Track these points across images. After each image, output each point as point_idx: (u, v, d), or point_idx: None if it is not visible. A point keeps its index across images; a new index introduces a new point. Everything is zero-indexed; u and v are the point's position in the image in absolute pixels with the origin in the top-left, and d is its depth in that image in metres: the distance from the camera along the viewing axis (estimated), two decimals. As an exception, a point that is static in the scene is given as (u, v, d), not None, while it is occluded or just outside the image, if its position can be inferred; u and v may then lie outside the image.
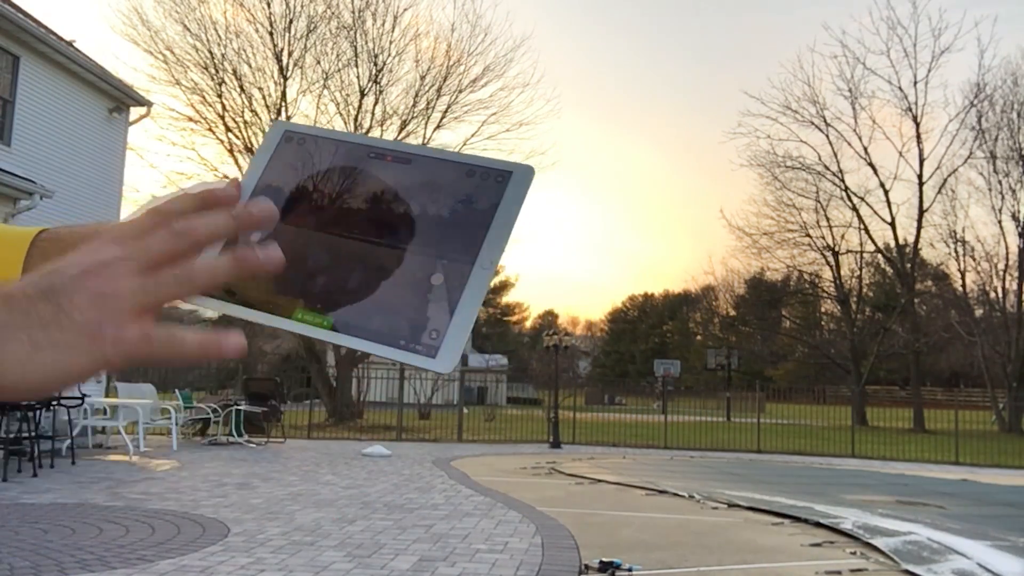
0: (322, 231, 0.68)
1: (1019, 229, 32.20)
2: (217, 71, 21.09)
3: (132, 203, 21.61)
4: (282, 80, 21.92)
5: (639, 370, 60.87)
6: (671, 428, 19.81)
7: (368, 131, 22.94)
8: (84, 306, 0.44)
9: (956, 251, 33.52)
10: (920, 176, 33.95)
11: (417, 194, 0.69)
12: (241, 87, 21.42)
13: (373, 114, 22.94)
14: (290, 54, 21.93)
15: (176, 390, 15.24)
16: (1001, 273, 32.89)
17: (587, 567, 5.27)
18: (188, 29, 20.94)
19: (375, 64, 22.66)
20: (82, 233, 0.72)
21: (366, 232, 0.67)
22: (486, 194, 0.67)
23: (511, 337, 64.54)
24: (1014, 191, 32.36)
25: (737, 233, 39.97)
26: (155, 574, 4.63)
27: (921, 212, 33.93)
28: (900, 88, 34.29)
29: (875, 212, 35.32)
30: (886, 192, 34.73)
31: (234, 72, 21.36)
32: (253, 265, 0.50)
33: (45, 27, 12.93)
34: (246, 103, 21.54)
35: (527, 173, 0.68)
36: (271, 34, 21.85)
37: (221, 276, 0.48)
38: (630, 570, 5.18)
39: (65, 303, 0.43)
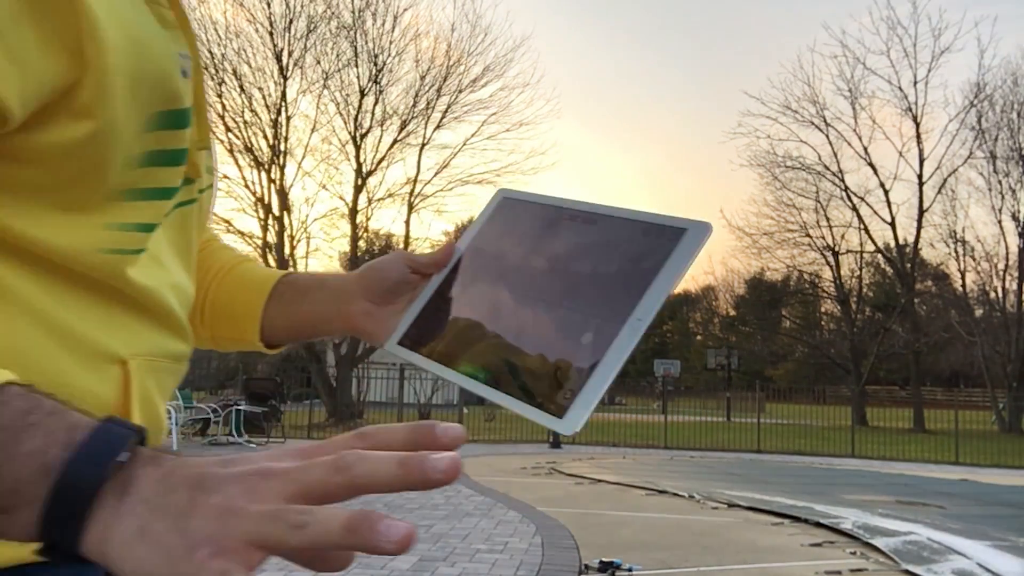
0: (505, 291, 0.75)
1: (1019, 229, 32.20)
2: (217, 71, 21.09)
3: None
4: (282, 80, 21.93)
5: (639, 370, 60.91)
6: (671, 428, 19.81)
7: (368, 131, 22.97)
8: (210, 514, 0.43)
9: (956, 251, 33.53)
10: (920, 176, 33.96)
11: (592, 254, 0.72)
12: (241, 87, 21.42)
13: (373, 114, 22.96)
14: (290, 54, 21.94)
15: (176, 390, 15.24)
16: (1001, 273, 32.90)
17: (587, 567, 5.27)
18: (188, 29, 20.95)
19: (375, 64, 22.67)
20: (319, 280, 0.89)
21: (539, 293, 0.73)
22: (656, 252, 0.70)
23: (511, 337, 64.38)
24: (1014, 191, 32.37)
25: (737, 233, 39.98)
26: (155, 574, 4.63)
27: (921, 212, 33.94)
28: (900, 88, 34.31)
29: (875, 212, 35.33)
30: (886, 192, 34.75)
31: (234, 72, 21.36)
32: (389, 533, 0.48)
33: (45, 27, 12.94)
34: (246, 103, 21.54)
35: (702, 230, 0.68)
36: (271, 34, 21.85)
37: (335, 539, 0.47)
38: (630, 570, 5.18)
39: (200, 502, 0.43)
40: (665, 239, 0.71)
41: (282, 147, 22.04)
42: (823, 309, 45.30)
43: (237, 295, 0.91)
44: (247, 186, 21.80)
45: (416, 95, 23.13)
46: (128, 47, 0.61)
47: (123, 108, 0.61)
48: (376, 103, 22.92)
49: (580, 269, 0.72)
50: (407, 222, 23.59)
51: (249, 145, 21.48)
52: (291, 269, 0.94)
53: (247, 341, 0.91)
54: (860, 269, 38.68)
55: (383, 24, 22.69)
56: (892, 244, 35.98)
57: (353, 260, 23.10)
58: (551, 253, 0.75)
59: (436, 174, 24.03)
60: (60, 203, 0.62)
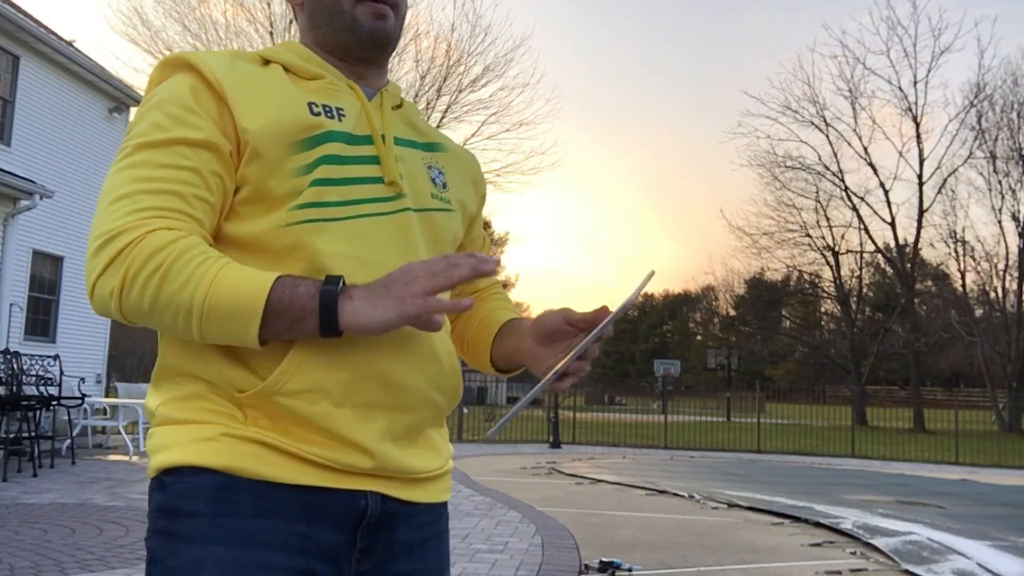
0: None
1: (1019, 229, 32.20)
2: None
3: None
4: (282, 80, 21.89)
5: (639, 370, 60.86)
6: (671, 428, 19.81)
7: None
8: (399, 289, 0.97)
9: (956, 251, 33.55)
10: (920, 176, 33.97)
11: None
12: (241, 87, 21.43)
13: (373, 114, 22.93)
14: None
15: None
16: (1001, 273, 32.91)
17: (587, 567, 5.27)
18: (188, 29, 20.98)
19: (375, 64, 22.64)
20: (520, 322, 1.28)
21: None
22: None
23: (511, 337, 64.40)
24: (1014, 191, 32.37)
25: (737, 233, 40.15)
26: (155, 574, 4.63)
27: (921, 212, 33.95)
28: (900, 88, 34.34)
29: (875, 212, 35.35)
30: (886, 192, 34.76)
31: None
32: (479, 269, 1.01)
33: (45, 27, 12.93)
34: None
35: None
36: (271, 34, 21.85)
37: (456, 278, 0.99)
38: (630, 570, 5.18)
39: (393, 288, 0.98)
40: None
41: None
42: (823, 309, 45.34)
43: (480, 334, 1.33)
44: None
45: (416, 95, 23.13)
46: (256, 114, 1.08)
47: (267, 149, 1.08)
48: (376, 103, 22.90)
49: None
50: (407, 222, 23.59)
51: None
52: (517, 315, 1.34)
53: (487, 367, 1.32)
54: (860, 269, 38.75)
55: (383, 24, 22.69)
56: (892, 244, 36.02)
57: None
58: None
59: (436, 174, 24.02)
60: (257, 210, 1.09)
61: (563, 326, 1.14)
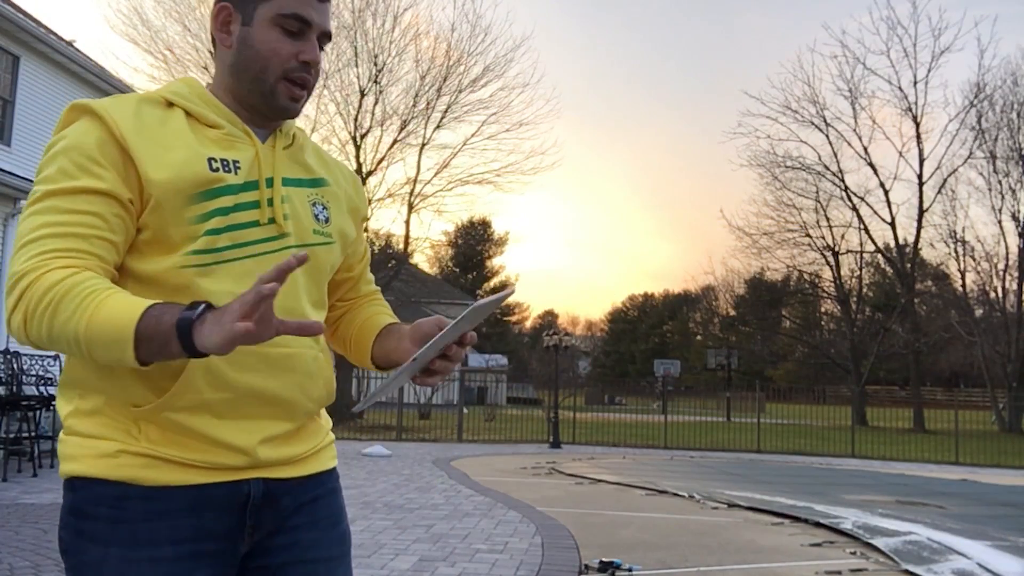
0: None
1: (1019, 229, 32.19)
2: (217, 71, 21.09)
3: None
4: (282, 80, 21.89)
5: (639, 370, 60.83)
6: (671, 428, 19.81)
7: (368, 131, 22.97)
8: (225, 316, 1.04)
9: (956, 251, 33.53)
10: (920, 176, 33.95)
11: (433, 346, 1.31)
12: (241, 87, 21.42)
13: (373, 114, 22.94)
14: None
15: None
16: (1001, 273, 32.89)
17: (587, 567, 5.27)
18: (188, 29, 20.96)
19: (375, 64, 22.66)
20: (399, 327, 1.49)
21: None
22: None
23: (511, 337, 64.52)
24: (1014, 191, 32.36)
25: (737, 233, 40.00)
26: (155, 574, 4.63)
27: (921, 212, 33.93)
28: (900, 88, 34.32)
29: (875, 212, 35.34)
30: (886, 192, 34.75)
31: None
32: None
33: (45, 27, 12.93)
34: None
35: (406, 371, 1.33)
36: (271, 34, 21.87)
37: (252, 300, 1.04)
38: (630, 570, 5.18)
39: (223, 316, 1.05)
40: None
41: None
42: (823, 309, 45.32)
43: (363, 335, 1.54)
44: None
45: (416, 95, 23.12)
46: (160, 169, 1.22)
47: (167, 201, 1.22)
48: (376, 103, 22.92)
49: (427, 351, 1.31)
50: (407, 222, 23.59)
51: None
52: (395, 320, 1.56)
53: (367, 364, 1.53)
54: (860, 269, 38.73)
55: (383, 24, 22.69)
56: (892, 244, 36.00)
57: (353, 260, 23.04)
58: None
59: (436, 174, 24.02)
60: (155, 250, 1.24)
61: (436, 332, 1.34)
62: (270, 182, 1.31)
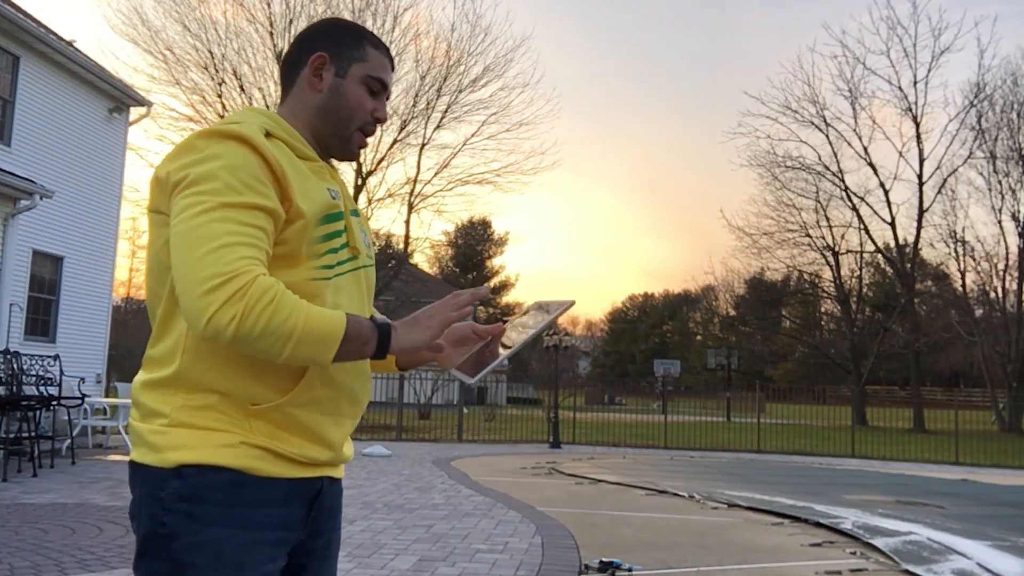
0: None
1: (1019, 229, 32.18)
2: (217, 71, 21.10)
3: (132, 203, 21.60)
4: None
5: (639, 370, 60.81)
6: (671, 428, 19.81)
7: (368, 131, 22.90)
8: (424, 322, 1.42)
9: (956, 251, 33.52)
10: (920, 176, 33.96)
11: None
12: (241, 87, 21.40)
13: (373, 114, 22.90)
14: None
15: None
16: (1001, 273, 32.89)
17: (587, 567, 5.27)
18: (188, 29, 20.94)
19: (375, 64, 22.60)
20: (445, 335, 1.57)
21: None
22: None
23: (511, 337, 64.34)
24: (1014, 191, 32.36)
25: (737, 233, 39.99)
26: (155, 574, 4.63)
27: (921, 212, 33.93)
28: (900, 88, 34.32)
29: (875, 212, 35.34)
30: (886, 192, 34.75)
31: (234, 72, 21.35)
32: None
33: (45, 27, 12.93)
34: (246, 103, 21.49)
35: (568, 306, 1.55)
36: (271, 34, 21.84)
37: (457, 316, 1.43)
38: (630, 570, 5.18)
39: (419, 322, 1.42)
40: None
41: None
42: (823, 309, 45.30)
43: None
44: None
45: (416, 95, 23.10)
46: (305, 195, 1.41)
47: (310, 223, 1.40)
48: (376, 103, 22.87)
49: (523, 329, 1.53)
50: (407, 222, 23.56)
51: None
52: None
53: (392, 369, 1.67)
54: (860, 269, 38.71)
55: (383, 24, 22.66)
56: (892, 244, 36.00)
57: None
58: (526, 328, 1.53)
59: (436, 174, 24.00)
60: (283, 264, 1.38)
61: (470, 335, 1.54)
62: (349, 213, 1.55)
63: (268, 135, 1.43)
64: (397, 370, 1.69)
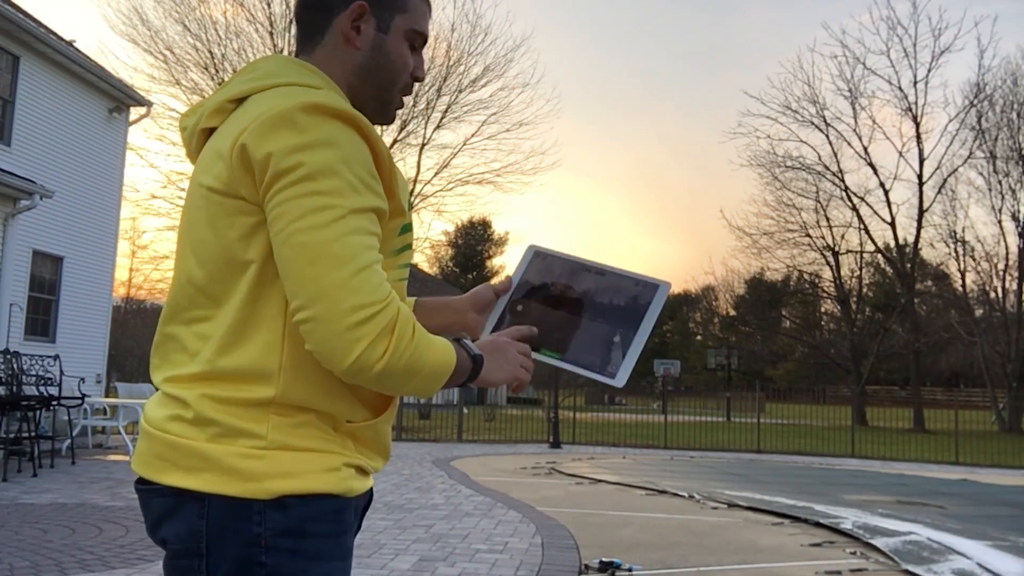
0: (556, 308, 1.41)
1: (1019, 229, 32.19)
2: (217, 71, 21.12)
3: (132, 203, 21.59)
4: (282, 80, 21.88)
5: (639, 370, 60.72)
6: (671, 428, 19.81)
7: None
8: (511, 359, 1.30)
9: (956, 251, 33.53)
10: (920, 176, 33.95)
11: (607, 292, 1.39)
12: (241, 87, 21.41)
13: (373, 114, 22.92)
14: (290, 54, 21.94)
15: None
16: (1001, 273, 32.90)
17: (587, 567, 5.27)
18: (188, 29, 20.97)
19: (375, 64, 22.63)
20: (444, 302, 1.53)
21: (579, 312, 1.39)
22: (644, 296, 1.36)
23: (511, 337, 64.37)
24: (1014, 191, 32.36)
25: (737, 233, 40.13)
26: (155, 574, 4.63)
27: (921, 212, 33.93)
28: (900, 88, 34.32)
29: (875, 212, 35.34)
30: (886, 192, 34.75)
31: (234, 72, 21.36)
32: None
33: (45, 27, 12.93)
34: (246, 103, 21.49)
35: (666, 287, 1.36)
36: (271, 34, 21.86)
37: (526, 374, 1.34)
38: (630, 570, 5.18)
39: (504, 350, 1.31)
40: (648, 289, 1.35)
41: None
42: (823, 309, 45.29)
43: None
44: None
45: (416, 95, 23.12)
46: (404, 192, 1.28)
47: (403, 217, 1.27)
48: (376, 103, 22.89)
49: (602, 300, 1.38)
50: (407, 222, 23.58)
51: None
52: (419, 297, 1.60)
53: None
54: (860, 269, 38.72)
55: (383, 24, 22.67)
56: (892, 244, 36.00)
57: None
58: (582, 290, 1.40)
59: (436, 174, 24.06)
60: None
61: (491, 296, 1.49)
62: None
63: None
64: None
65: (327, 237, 1.09)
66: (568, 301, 1.39)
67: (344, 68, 1.30)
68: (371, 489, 1.34)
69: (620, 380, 1.28)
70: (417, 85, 1.42)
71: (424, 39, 1.35)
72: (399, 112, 1.39)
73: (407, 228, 1.29)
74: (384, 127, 1.35)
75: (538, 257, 1.45)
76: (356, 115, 1.16)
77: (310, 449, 1.18)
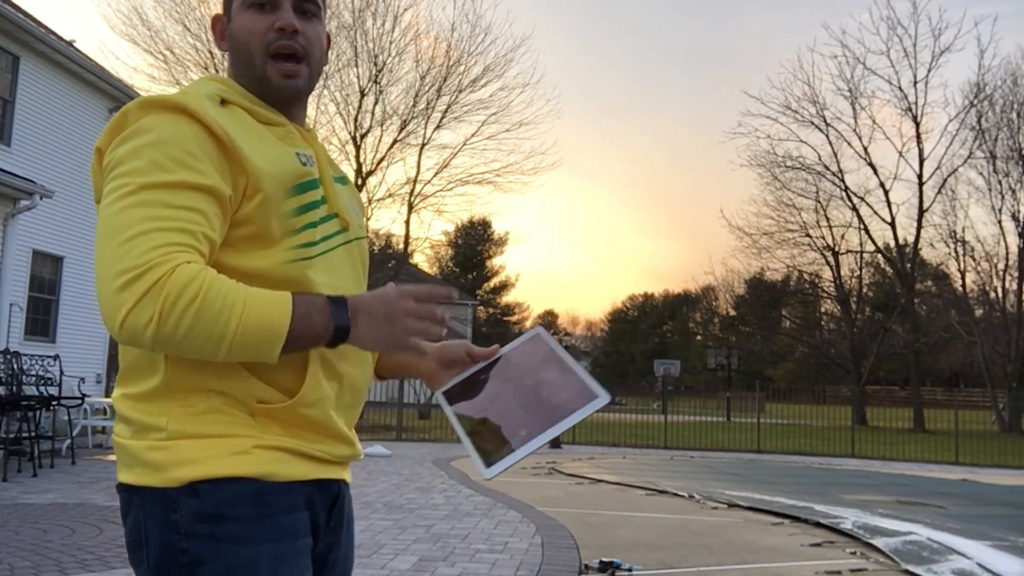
0: (506, 389, 1.37)
1: (1019, 229, 32.17)
2: (217, 71, 21.10)
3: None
4: (282, 80, 21.89)
5: (639, 370, 60.73)
6: (671, 428, 19.81)
7: (368, 131, 22.97)
8: (399, 325, 1.20)
9: (956, 251, 33.51)
10: (920, 176, 33.93)
11: (554, 387, 1.32)
12: (241, 87, 21.42)
13: (373, 114, 22.95)
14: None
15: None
16: (1001, 273, 32.88)
17: (587, 567, 5.27)
18: (188, 29, 20.94)
19: (375, 64, 22.66)
20: (437, 353, 1.46)
21: (519, 397, 1.34)
22: (580, 400, 1.29)
23: (511, 337, 64.17)
24: (1014, 191, 32.34)
25: (737, 233, 40.01)
26: (155, 574, 4.63)
27: (921, 212, 33.91)
28: (900, 88, 34.28)
29: (875, 212, 35.31)
30: (886, 192, 34.72)
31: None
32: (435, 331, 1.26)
33: (45, 27, 12.93)
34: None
35: (603, 400, 1.29)
36: (271, 34, 21.86)
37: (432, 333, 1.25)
38: (630, 570, 5.18)
39: (388, 312, 1.19)
40: (587, 395, 1.29)
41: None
42: (823, 309, 45.28)
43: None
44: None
45: (416, 95, 23.13)
46: (265, 163, 1.22)
47: (275, 195, 1.22)
48: (376, 103, 22.93)
49: (545, 393, 1.32)
50: (407, 222, 23.59)
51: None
52: None
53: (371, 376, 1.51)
54: (860, 269, 38.69)
55: (383, 24, 22.69)
56: (892, 244, 35.97)
57: (353, 260, 23.06)
58: (538, 379, 1.35)
59: (436, 174, 24.02)
60: (255, 246, 1.22)
61: (463, 356, 1.44)
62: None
63: (224, 102, 1.27)
64: (378, 379, 1.55)
65: (111, 212, 1.13)
66: (521, 388, 1.35)
67: (228, 70, 1.37)
68: (338, 484, 1.34)
69: (489, 473, 1.24)
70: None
71: None
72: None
73: (306, 194, 1.26)
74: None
75: (535, 340, 1.41)
76: (184, 102, 1.19)
77: (214, 435, 1.19)
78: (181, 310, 1.07)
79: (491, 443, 1.28)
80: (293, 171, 1.25)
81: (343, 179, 1.44)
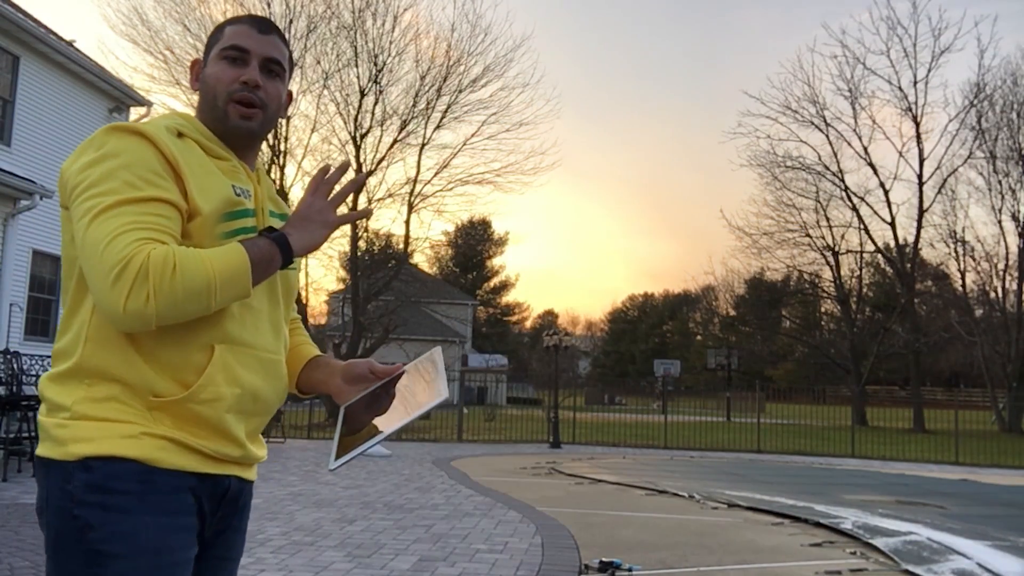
0: (393, 399, 1.57)
1: (1019, 229, 32.17)
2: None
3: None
4: (282, 80, 21.86)
5: (639, 370, 60.75)
6: (671, 428, 19.81)
7: (368, 131, 22.96)
8: (317, 218, 1.49)
9: (956, 251, 33.49)
10: (920, 176, 33.93)
11: (419, 390, 1.56)
12: (241, 87, 21.40)
13: (373, 114, 22.94)
14: (290, 54, 21.90)
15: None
16: (1001, 273, 32.87)
17: (587, 567, 5.27)
18: (188, 29, 20.95)
19: (375, 64, 22.65)
20: (327, 361, 1.71)
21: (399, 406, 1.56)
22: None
23: (511, 337, 64.49)
24: (1014, 191, 32.33)
25: (737, 233, 39.99)
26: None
27: (921, 212, 33.90)
28: (900, 88, 34.27)
29: (875, 212, 35.30)
30: (886, 192, 34.72)
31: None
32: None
33: (45, 27, 12.92)
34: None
35: (437, 400, 1.50)
36: (271, 34, 21.84)
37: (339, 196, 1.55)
38: (630, 570, 5.18)
39: (312, 219, 1.49)
40: (432, 396, 1.52)
41: (282, 147, 22.04)
42: (823, 309, 45.23)
43: (291, 363, 1.68)
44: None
45: (416, 95, 23.11)
46: (203, 189, 1.44)
47: (210, 218, 1.43)
48: (376, 103, 22.91)
49: (408, 396, 1.56)
50: (407, 222, 23.57)
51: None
52: (320, 353, 1.75)
53: (291, 390, 1.68)
54: (860, 269, 38.66)
55: (383, 24, 22.67)
56: (892, 244, 35.96)
57: (353, 260, 23.07)
58: (413, 388, 1.56)
59: (436, 174, 24.00)
60: None
61: (367, 373, 1.61)
62: (262, 212, 1.59)
63: (181, 135, 1.47)
64: (299, 394, 1.72)
65: (95, 224, 1.32)
66: (400, 397, 1.56)
67: (198, 110, 1.59)
68: (228, 480, 1.49)
69: (332, 465, 1.47)
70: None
71: (239, 50, 1.54)
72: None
73: (236, 221, 1.48)
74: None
75: (431, 357, 1.59)
76: (146, 129, 1.41)
77: (108, 419, 1.37)
78: (169, 279, 1.28)
79: (356, 442, 1.48)
80: (227, 199, 1.47)
81: (284, 216, 1.65)
